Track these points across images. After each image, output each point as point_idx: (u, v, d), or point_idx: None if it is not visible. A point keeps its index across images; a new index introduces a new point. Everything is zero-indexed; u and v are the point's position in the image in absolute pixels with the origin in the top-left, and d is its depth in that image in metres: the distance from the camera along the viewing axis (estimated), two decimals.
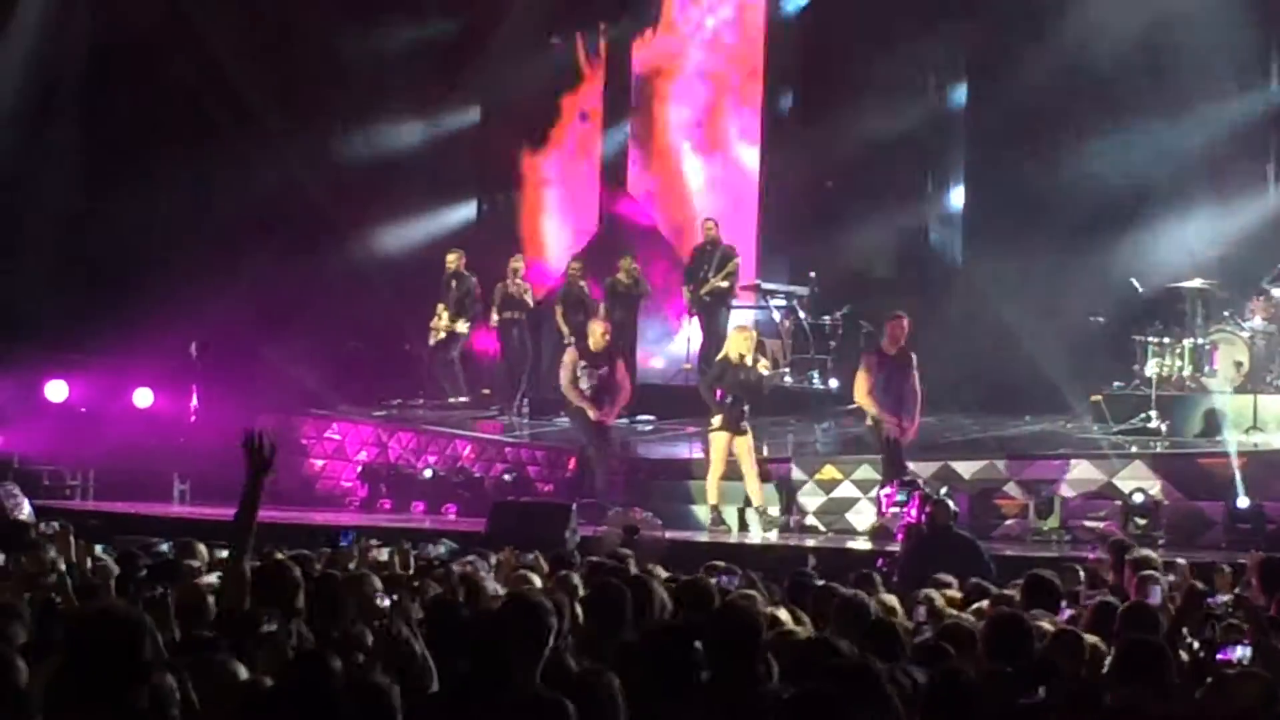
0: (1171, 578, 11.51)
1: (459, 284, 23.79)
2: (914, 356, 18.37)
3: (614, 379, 19.43)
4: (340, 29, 25.32)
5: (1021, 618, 8.30)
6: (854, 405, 19.41)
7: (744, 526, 18.65)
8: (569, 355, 19.64)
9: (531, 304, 23.65)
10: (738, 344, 18.73)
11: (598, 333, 19.58)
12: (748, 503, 18.73)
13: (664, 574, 11.03)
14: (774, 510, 18.80)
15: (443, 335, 23.72)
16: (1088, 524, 17.99)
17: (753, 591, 10.00)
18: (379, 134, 25.83)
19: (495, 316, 23.70)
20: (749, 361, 18.52)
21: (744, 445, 18.52)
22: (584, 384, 19.28)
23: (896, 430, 17.97)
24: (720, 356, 19.02)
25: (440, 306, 23.74)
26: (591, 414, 19.27)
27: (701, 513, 19.13)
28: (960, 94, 25.70)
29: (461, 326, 23.68)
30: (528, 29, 26.39)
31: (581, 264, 23.74)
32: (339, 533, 13.44)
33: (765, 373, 18.88)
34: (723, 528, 18.55)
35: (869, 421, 18.35)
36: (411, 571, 11.09)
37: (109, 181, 23.17)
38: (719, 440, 18.46)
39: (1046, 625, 8.80)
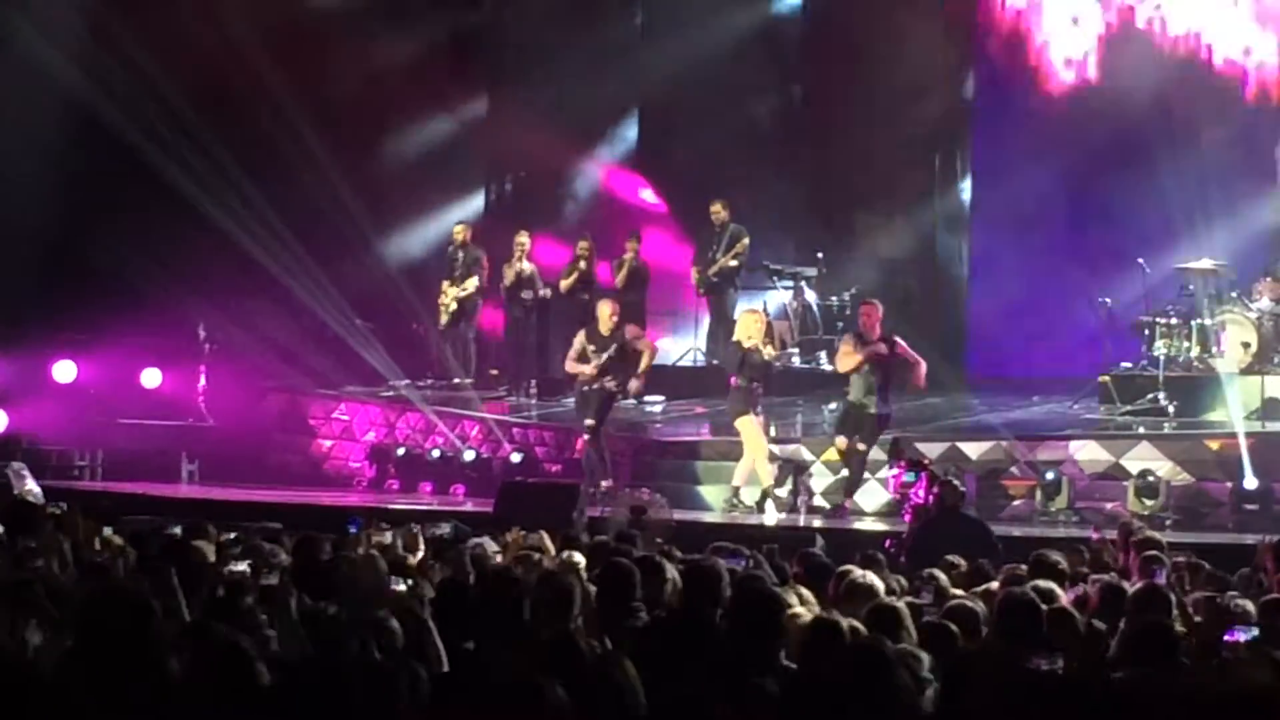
0: (1179, 558, 11.52)
1: (466, 254, 23.73)
2: (897, 340, 18.37)
3: (622, 361, 19.32)
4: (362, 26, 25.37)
5: (1032, 599, 8.31)
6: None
7: (761, 510, 18.60)
8: (578, 338, 19.43)
9: (540, 282, 23.61)
10: (747, 327, 18.71)
11: (605, 314, 19.40)
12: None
13: (679, 555, 11.05)
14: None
15: (454, 307, 23.63)
16: (1095, 505, 18.00)
17: (759, 572, 10.01)
18: (394, 125, 25.80)
19: (505, 293, 23.69)
20: (757, 345, 18.50)
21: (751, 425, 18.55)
22: (593, 366, 19.18)
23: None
24: (734, 340, 18.98)
25: (445, 284, 23.68)
26: (589, 369, 19.20)
27: (708, 493, 19.14)
28: (969, 87, 25.74)
29: (471, 285, 23.54)
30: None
31: (590, 242, 23.70)
32: (347, 518, 13.42)
33: (769, 358, 18.85)
34: (735, 511, 18.50)
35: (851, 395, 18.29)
36: (421, 553, 11.11)
37: (115, 161, 23.13)
38: (749, 424, 18.44)
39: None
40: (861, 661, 6.38)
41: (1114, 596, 9.04)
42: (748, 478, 18.57)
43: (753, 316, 19.10)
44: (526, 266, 23.52)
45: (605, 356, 19.05)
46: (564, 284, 23.22)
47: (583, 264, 23.24)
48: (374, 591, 8.38)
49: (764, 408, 18.94)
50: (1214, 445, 18.15)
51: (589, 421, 19.12)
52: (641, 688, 5.98)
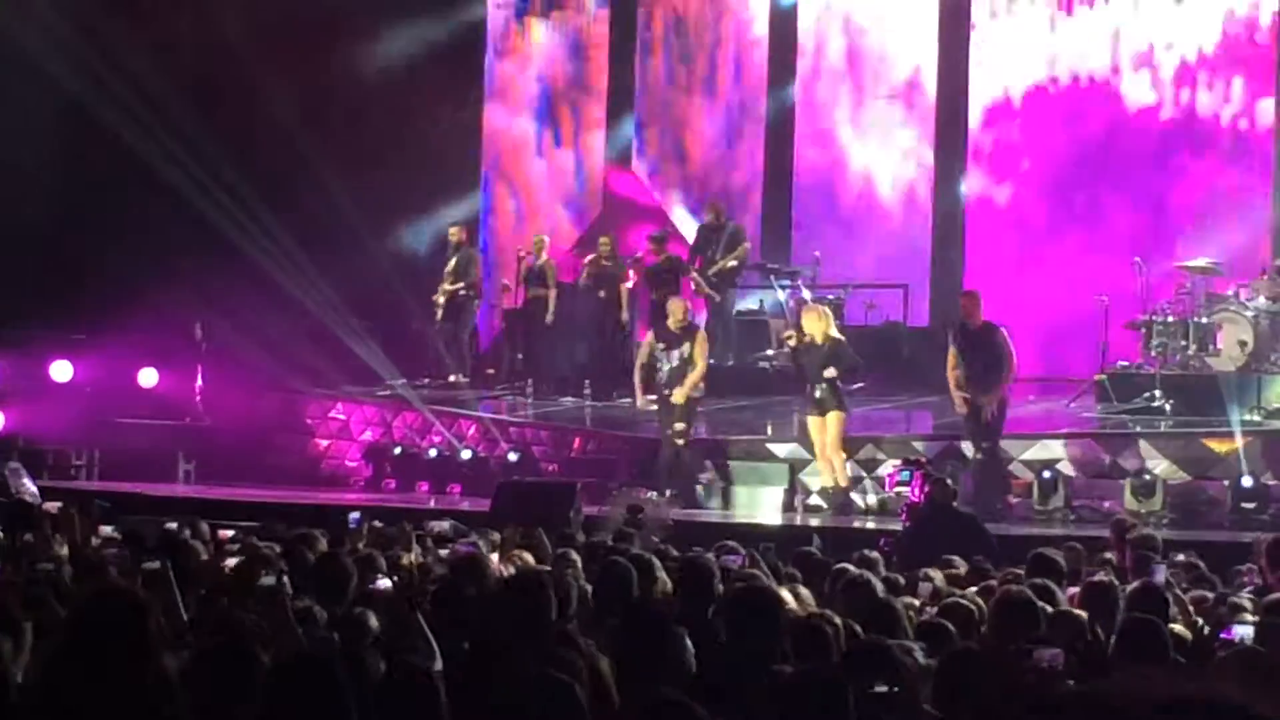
0: (1180, 557, 11.53)
1: (460, 254, 23.74)
2: (999, 329, 18.09)
3: (691, 357, 18.84)
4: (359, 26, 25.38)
5: (1030, 596, 8.31)
6: (859, 385, 19.41)
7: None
8: (648, 340, 19.07)
9: (553, 282, 23.64)
10: (820, 323, 18.39)
11: (679, 312, 18.93)
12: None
13: (675, 553, 11.06)
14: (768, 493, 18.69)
15: (441, 300, 23.59)
16: (1092, 503, 18.00)
17: (756, 570, 10.02)
18: (392, 123, 25.77)
19: (526, 292, 23.72)
20: (838, 337, 18.37)
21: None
22: (664, 367, 18.67)
23: (962, 405, 17.84)
24: (824, 341, 18.56)
25: (443, 285, 23.71)
26: (639, 401, 19.01)
27: (705, 491, 19.13)
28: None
29: (449, 285, 23.51)
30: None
31: (611, 240, 23.70)
32: (347, 514, 13.43)
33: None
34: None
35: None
36: (415, 551, 11.10)
37: (111, 160, 23.15)
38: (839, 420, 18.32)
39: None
40: (859, 659, 6.39)
41: (1100, 594, 9.03)
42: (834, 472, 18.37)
43: (818, 313, 18.85)
44: (544, 263, 23.61)
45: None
46: (582, 279, 23.25)
47: (605, 261, 23.23)
48: (362, 589, 8.38)
49: (763, 406, 18.89)
50: (1220, 449, 18.11)
51: (679, 426, 18.72)
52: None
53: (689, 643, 6.78)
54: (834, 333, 18.36)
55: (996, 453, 17.89)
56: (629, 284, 23.28)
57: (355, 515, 12.90)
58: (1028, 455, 18.58)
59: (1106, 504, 17.79)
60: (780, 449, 19.40)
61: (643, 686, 5.99)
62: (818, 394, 18.03)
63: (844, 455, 18.21)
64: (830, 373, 17.97)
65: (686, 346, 18.66)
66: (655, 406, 19.01)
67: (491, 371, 24.55)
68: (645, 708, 5.36)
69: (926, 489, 14.95)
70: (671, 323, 18.89)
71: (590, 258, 23.49)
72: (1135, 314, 20.68)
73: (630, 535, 12.60)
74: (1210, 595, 10.01)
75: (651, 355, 18.88)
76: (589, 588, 8.96)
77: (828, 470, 18.22)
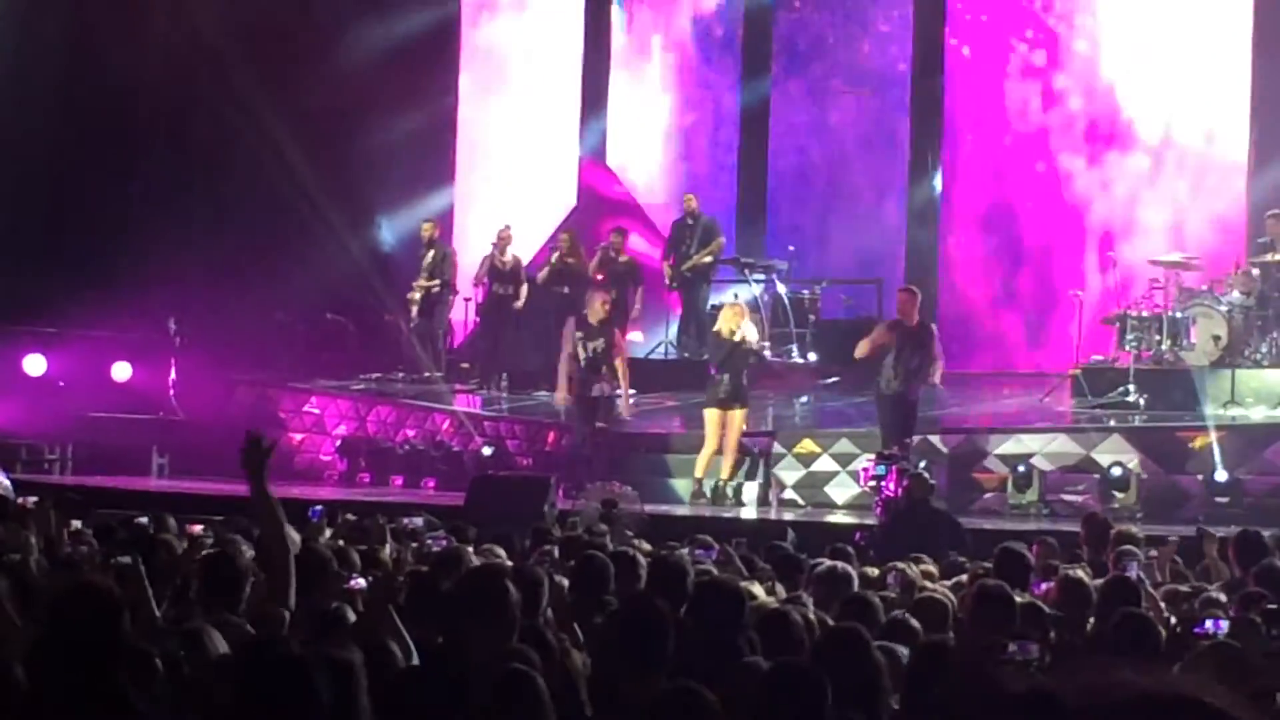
0: (1153, 552, 11.55)
1: (434, 251, 23.71)
2: (934, 329, 18.38)
3: (611, 352, 19.22)
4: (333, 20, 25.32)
5: (1007, 591, 8.30)
6: (834, 379, 19.46)
7: (722, 500, 18.65)
8: (568, 325, 19.41)
9: (523, 277, 23.61)
10: (729, 319, 18.70)
11: (597, 305, 19.26)
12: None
13: (647, 547, 11.04)
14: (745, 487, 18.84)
15: (417, 296, 23.57)
16: (1066, 497, 18.03)
17: (730, 566, 10.02)
18: (364, 117, 25.71)
19: (485, 288, 23.67)
20: (738, 336, 18.55)
21: (741, 418, 18.61)
22: (581, 355, 19.03)
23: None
24: (715, 331, 18.96)
25: (418, 282, 23.68)
26: (558, 395, 19.21)
27: (680, 486, 19.15)
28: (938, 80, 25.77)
29: (424, 282, 23.47)
30: None
31: (570, 236, 23.69)
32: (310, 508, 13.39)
33: (752, 340, 18.90)
34: (702, 500, 18.58)
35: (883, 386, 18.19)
36: (389, 546, 11.08)
37: (86, 156, 23.09)
38: (712, 416, 18.51)
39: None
40: (832, 651, 6.38)
41: (1074, 588, 9.03)
42: (706, 468, 18.67)
43: (733, 309, 19.07)
44: (510, 258, 23.56)
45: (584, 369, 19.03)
46: (542, 275, 23.20)
47: (567, 258, 23.20)
48: (336, 584, 8.35)
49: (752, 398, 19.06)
50: (1196, 443, 18.14)
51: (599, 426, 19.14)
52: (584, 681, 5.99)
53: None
54: (734, 328, 18.58)
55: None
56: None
57: (317, 508, 12.88)
58: (1002, 450, 18.61)
59: (1081, 498, 17.82)
60: (755, 444, 19.39)
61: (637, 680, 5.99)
62: (723, 389, 18.50)
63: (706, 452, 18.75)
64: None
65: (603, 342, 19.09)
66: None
67: (466, 366, 24.50)
68: (656, 696, 5.36)
69: (904, 484, 14.97)
70: (590, 315, 19.19)
71: (554, 255, 23.46)
72: (1110, 308, 20.73)
73: (604, 530, 12.59)
74: (1184, 589, 10.03)
75: (573, 345, 19.15)
76: (565, 582, 8.95)
77: (727, 463, 18.54)
